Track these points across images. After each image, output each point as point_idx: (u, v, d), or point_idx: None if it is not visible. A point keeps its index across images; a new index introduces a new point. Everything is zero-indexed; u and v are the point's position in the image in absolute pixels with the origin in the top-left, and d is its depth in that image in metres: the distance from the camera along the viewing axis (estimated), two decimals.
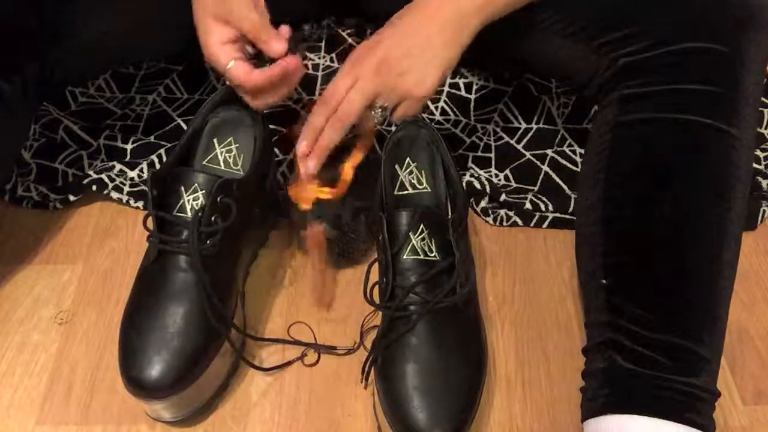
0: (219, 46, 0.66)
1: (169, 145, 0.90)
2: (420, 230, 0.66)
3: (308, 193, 0.72)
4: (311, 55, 0.99)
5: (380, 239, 0.67)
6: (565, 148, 0.92)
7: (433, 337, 0.65)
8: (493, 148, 0.91)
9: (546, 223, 0.86)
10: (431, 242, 0.66)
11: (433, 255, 0.66)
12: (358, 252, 0.79)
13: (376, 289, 0.68)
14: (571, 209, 0.86)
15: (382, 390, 0.64)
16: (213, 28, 0.66)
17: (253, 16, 0.64)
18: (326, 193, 0.72)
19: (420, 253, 0.66)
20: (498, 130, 0.93)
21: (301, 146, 0.68)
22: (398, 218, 0.67)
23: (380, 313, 0.68)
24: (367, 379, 0.68)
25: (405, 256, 0.66)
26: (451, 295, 0.65)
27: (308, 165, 0.67)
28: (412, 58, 0.64)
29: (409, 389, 0.62)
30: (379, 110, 0.66)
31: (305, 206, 0.72)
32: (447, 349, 0.65)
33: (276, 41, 0.65)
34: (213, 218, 0.66)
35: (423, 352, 0.64)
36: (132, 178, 0.87)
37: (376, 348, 0.66)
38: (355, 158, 0.72)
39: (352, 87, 0.65)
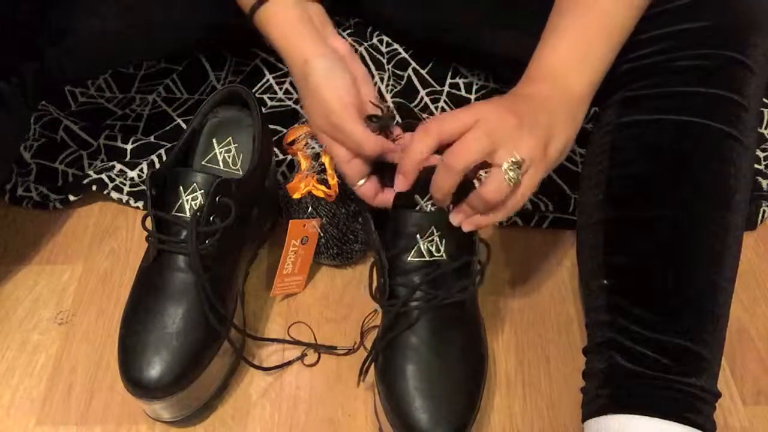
0: (346, 165, 0.65)
1: (169, 145, 0.89)
2: (430, 232, 0.65)
3: (302, 185, 0.72)
4: None
5: (380, 239, 0.67)
6: None
7: (434, 337, 0.64)
8: None
9: (546, 223, 0.86)
10: (440, 243, 0.65)
11: (439, 255, 0.65)
12: (355, 252, 0.79)
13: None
14: (571, 209, 0.86)
15: (383, 391, 0.64)
16: (334, 146, 0.65)
17: (354, 134, 0.62)
18: (319, 191, 0.72)
19: (425, 254, 0.65)
20: None
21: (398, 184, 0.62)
22: (408, 218, 0.65)
23: (380, 313, 0.68)
24: (365, 374, 0.68)
25: (410, 258, 0.65)
26: (456, 295, 0.65)
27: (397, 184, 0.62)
28: (549, 117, 0.59)
29: (411, 390, 0.62)
30: (512, 166, 0.56)
31: (296, 196, 0.72)
32: (448, 350, 0.65)
33: (373, 149, 0.63)
34: (212, 218, 0.66)
35: (424, 352, 0.64)
36: (132, 178, 0.87)
37: (376, 345, 0.66)
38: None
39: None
